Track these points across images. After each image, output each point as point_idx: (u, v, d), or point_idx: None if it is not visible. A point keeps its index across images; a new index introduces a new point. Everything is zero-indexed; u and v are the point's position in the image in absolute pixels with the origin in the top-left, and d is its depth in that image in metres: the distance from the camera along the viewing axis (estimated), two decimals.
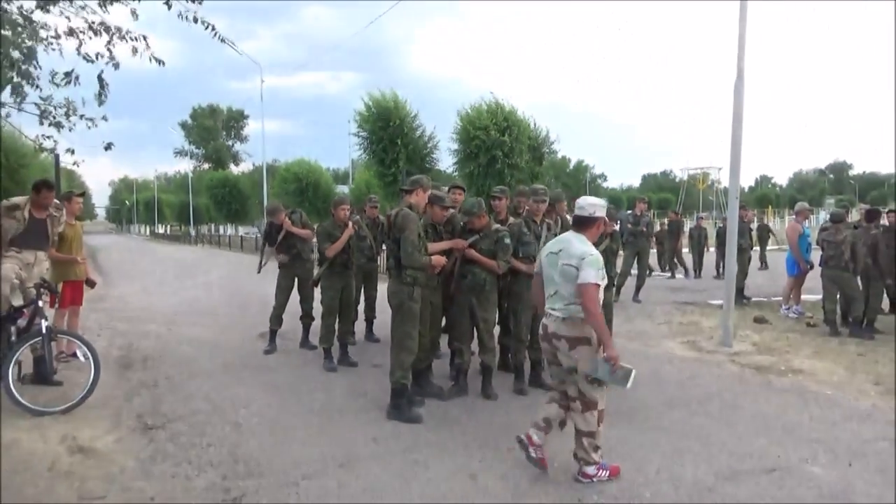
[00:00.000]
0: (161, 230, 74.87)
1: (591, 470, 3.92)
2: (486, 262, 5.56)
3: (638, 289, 11.83)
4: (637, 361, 7.02)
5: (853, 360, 7.08)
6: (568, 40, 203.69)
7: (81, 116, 6.70)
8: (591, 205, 4.09)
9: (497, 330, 6.04)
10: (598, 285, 3.81)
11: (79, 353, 5.95)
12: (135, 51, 6.22)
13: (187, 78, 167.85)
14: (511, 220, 6.26)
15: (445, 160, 20.96)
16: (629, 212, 13.20)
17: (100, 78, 6.19)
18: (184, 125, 71.18)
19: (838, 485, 3.88)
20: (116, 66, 6.25)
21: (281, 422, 5.09)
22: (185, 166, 71.41)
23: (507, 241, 5.61)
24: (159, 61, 6.33)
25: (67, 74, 6.18)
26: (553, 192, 6.62)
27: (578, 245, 3.95)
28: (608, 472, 3.94)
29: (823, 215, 32.70)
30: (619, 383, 3.81)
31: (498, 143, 17.64)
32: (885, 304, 9.63)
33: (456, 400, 5.59)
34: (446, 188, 6.82)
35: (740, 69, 7.92)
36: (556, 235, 5.96)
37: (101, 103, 6.27)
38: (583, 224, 4.06)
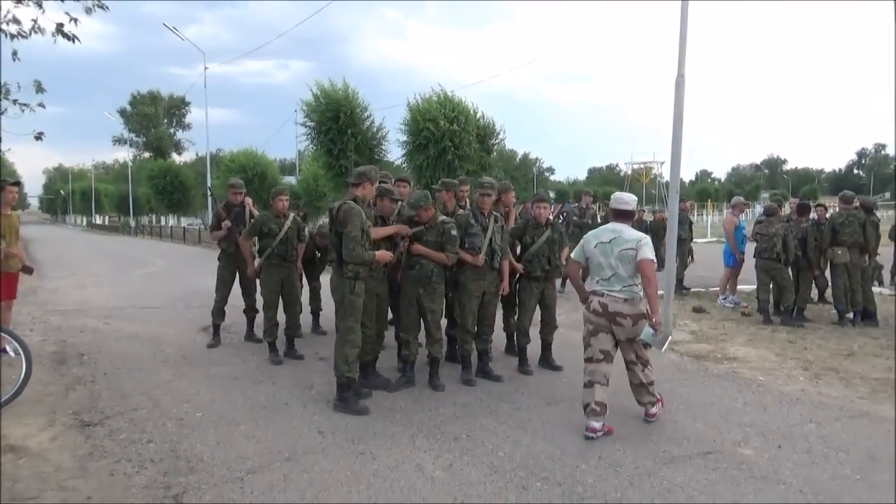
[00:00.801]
0: (99, 221, 72.13)
1: (655, 409, 4.84)
2: (434, 256, 5.58)
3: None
4: (581, 351, 7.21)
5: (784, 347, 7.41)
6: (517, 33, 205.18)
7: (15, 101, 6.38)
8: (633, 200, 5.03)
9: (444, 321, 6.08)
10: (654, 261, 4.64)
11: (8, 349, 5.69)
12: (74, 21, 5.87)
13: (126, 63, 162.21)
14: (460, 211, 6.30)
15: (395, 151, 20.88)
16: (575, 205, 13.37)
17: (60, 30, 5.75)
18: (122, 112, 68.64)
19: (768, 466, 4.06)
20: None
21: (225, 416, 5.00)
22: (125, 155, 69.06)
23: (454, 232, 5.63)
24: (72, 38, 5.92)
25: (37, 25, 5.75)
26: (501, 183, 6.70)
27: (630, 232, 4.76)
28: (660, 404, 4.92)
29: (759, 209, 33.93)
30: (658, 346, 4.73)
31: (448, 134, 17.65)
32: (814, 293, 10.11)
33: (403, 391, 5.61)
34: (392, 181, 6.82)
35: (681, 67, 8.14)
36: (502, 228, 6.05)
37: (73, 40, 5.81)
38: (625, 216, 4.91)
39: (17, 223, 6.81)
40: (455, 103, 18.33)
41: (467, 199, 6.93)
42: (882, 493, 3.70)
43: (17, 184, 7.03)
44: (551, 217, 6.45)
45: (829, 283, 9.36)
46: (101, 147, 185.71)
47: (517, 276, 6.33)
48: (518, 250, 6.42)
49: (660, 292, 9.88)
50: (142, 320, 9.25)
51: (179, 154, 70.25)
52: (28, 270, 6.89)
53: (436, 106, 18.16)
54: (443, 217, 5.74)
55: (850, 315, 8.77)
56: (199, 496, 3.68)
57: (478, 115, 19.15)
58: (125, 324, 8.95)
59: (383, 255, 5.23)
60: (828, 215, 9.64)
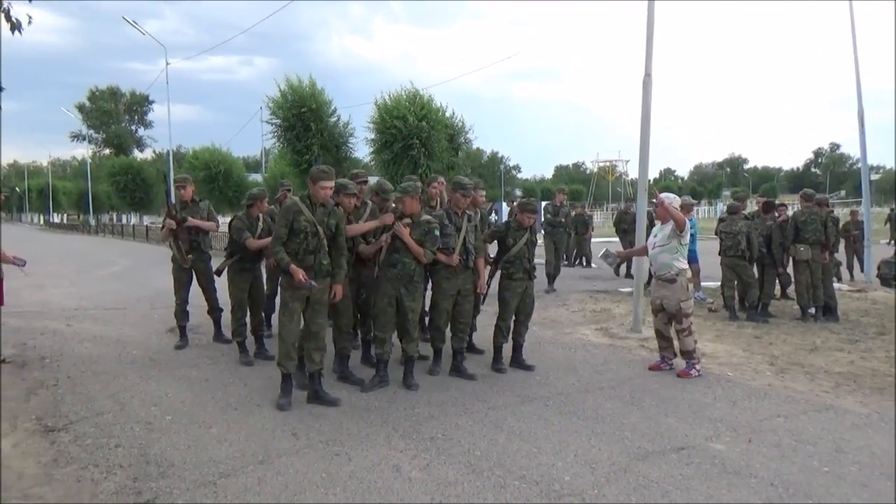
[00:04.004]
0: (57, 219, 70.17)
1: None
2: (414, 247, 5.55)
3: (553, 278, 12.15)
4: (553, 349, 7.27)
5: (750, 342, 7.56)
6: (485, 32, 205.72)
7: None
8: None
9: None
10: None
11: None
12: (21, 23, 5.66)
13: (85, 58, 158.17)
14: (436, 211, 6.31)
15: (362, 149, 20.79)
16: (547, 202, 13.29)
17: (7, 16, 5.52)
18: (81, 108, 67.02)
19: (739, 460, 4.13)
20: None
21: (195, 419, 4.90)
22: (83, 151, 67.41)
23: (437, 232, 5.65)
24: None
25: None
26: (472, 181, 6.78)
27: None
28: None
29: (721, 207, 34.64)
30: None
31: (415, 131, 17.64)
32: (776, 289, 10.34)
33: (377, 390, 5.58)
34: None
35: (648, 66, 8.24)
36: (476, 227, 6.07)
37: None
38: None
39: None
40: (424, 101, 18.33)
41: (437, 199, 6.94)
42: (850, 485, 3.79)
43: None
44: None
45: (792, 280, 9.57)
46: (59, 143, 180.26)
47: (493, 275, 6.38)
48: (497, 251, 6.46)
49: (628, 289, 10.09)
50: (106, 321, 9.02)
51: (141, 151, 68.92)
52: (20, 262, 6.62)
53: (404, 103, 18.13)
54: (426, 216, 5.73)
55: (812, 310, 8.98)
56: (171, 500, 3.60)
57: (447, 114, 19.18)
58: (88, 325, 8.72)
59: (295, 270, 4.94)
60: (789, 213, 9.86)
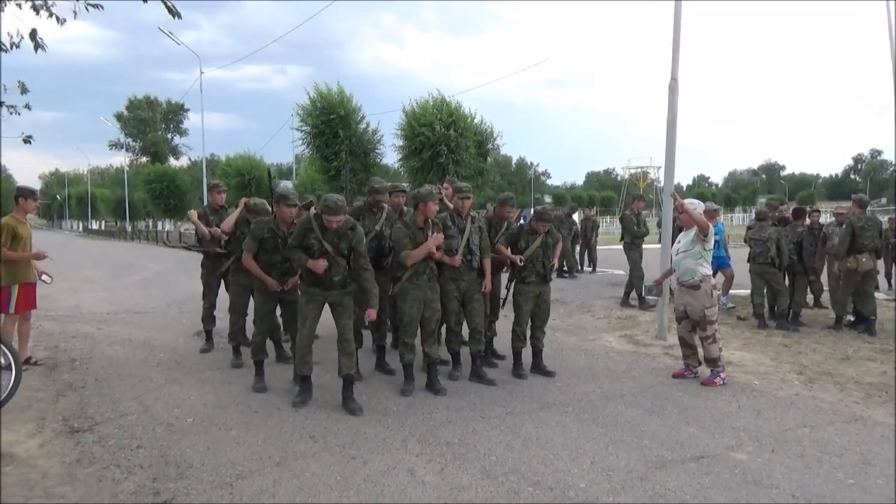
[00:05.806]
0: (95, 226, 71.93)
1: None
2: (442, 258, 5.73)
3: (640, 291, 10.82)
4: (576, 355, 7.20)
5: (779, 351, 7.39)
6: (514, 39, 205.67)
7: (1, 104, 6.31)
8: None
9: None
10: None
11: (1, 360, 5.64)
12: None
13: (124, 68, 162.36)
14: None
15: (390, 156, 20.92)
16: (628, 211, 11.60)
17: (32, 35, 5.70)
18: (119, 117, 68.73)
19: (761, 471, 4.03)
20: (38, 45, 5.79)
21: (216, 421, 4.97)
22: (121, 159, 69.16)
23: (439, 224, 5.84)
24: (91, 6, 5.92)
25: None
26: (502, 195, 6.82)
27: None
28: None
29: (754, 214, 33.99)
30: None
31: (443, 138, 17.70)
32: (809, 298, 10.09)
33: (394, 394, 5.59)
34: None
35: (674, 71, 8.14)
36: (480, 229, 6.09)
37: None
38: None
39: (30, 231, 6.83)
40: (452, 108, 18.38)
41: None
42: (876, 498, 3.68)
43: (34, 193, 7.01)
44: (522, 221, 6.62)
45: (824, 288, 9.33)
46: (98, 151, 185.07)
47: (513, 279, 6.35)
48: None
49: (656, 298, 9.91)
50: (135, 325, 9.20)
51: (177, 159, 70.39)
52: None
53: (432, 110, 18.20)
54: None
55: (851, 318, 8.72)
56: (188, 502, 3.65)
57: (475, 121, 19.19)
58: (118, 329, 8.91)
59: (300, 280, 5.33)
60: (821, 220, 9.60)
